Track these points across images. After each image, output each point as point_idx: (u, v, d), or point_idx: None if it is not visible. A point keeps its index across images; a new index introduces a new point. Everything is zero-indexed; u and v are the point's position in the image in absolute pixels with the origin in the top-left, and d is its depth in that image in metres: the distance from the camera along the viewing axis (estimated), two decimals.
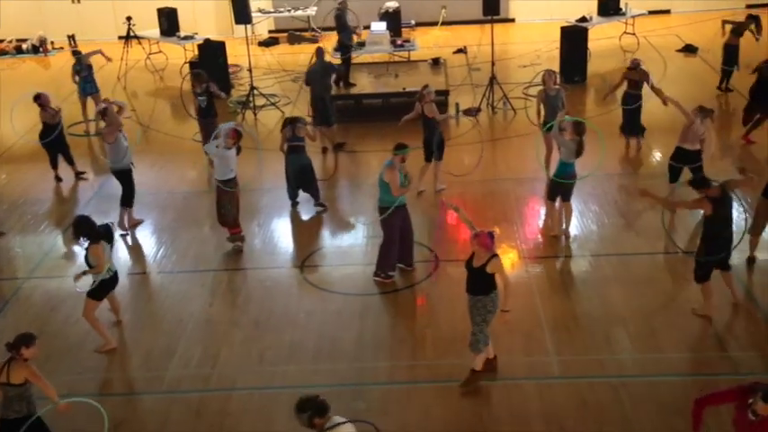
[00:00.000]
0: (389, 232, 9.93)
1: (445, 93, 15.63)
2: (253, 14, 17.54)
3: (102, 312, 9.26)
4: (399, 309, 9.69)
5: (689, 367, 8.43)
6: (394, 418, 7.78)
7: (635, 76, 13.18)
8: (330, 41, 17.77)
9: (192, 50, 19.17)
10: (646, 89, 13.17)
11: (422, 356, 8.72)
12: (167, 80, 19.29)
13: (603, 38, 19.49)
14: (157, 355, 8.98)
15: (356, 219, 11.81)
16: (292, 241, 11.58)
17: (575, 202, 11.08)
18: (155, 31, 20.02)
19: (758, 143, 13.43)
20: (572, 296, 9.67)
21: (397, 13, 19.96)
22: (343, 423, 5.98)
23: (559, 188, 10.63)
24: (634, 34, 19.61)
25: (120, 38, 20.88)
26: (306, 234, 11.66)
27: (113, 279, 9.00)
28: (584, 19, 18.80)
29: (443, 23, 22.04)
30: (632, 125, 13.48)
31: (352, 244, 11.20)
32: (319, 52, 14.31)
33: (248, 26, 16.97)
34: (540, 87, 12.65)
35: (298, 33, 22.04)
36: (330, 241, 11.42)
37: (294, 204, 12.23)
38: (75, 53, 15.88)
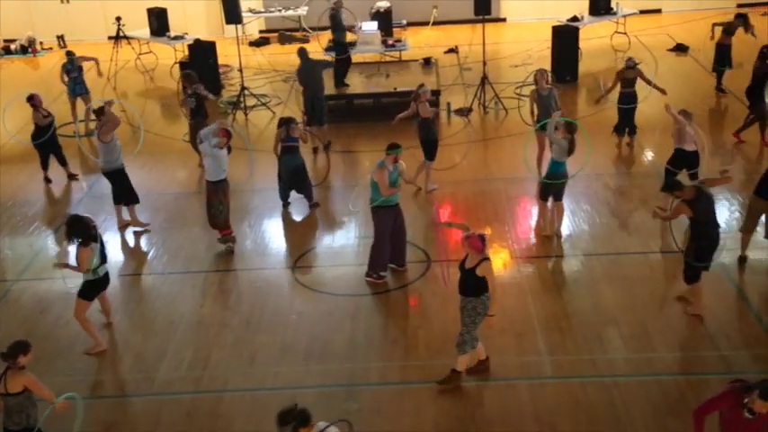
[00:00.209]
0: (380, 231, 9.90)
1: (437, 93, 15.60)
2: (243, 14, 17.48)
3: (93, 314, 9.21)
4: (391, 309, 9.66)
5: (681, 367, 8.42)
6: (386, 419, 7.76)
7: (630, 75, 13.18)
8: (321, 41, 17.70)
9: (182, 51, 19.10)
10: (639, 88, 13.19)
11: (414, 357, 8.69)
12: (157, 81, 19.22)
13: (595, 37, 19.51)
14: (148, 356, 8.93)
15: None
16: (284, 242, 11.54)
17: (566, 202, 11.08)
18: (144, 32, 19.93)
19: (747, 142, 13.44)
20: (564, 296, 9.66)
21: (388, 12, 19.93)
22: (328, 426, 5.93)
23: (551, 188, 10.63)
24: (625, 34, 19.62)
25: (109, 38, 20.79)
26: (297, 235, 11.62)
27: (104, 280, 8.95)
28: (575, 18, 18.81)
29: (435, 23, 22.02)
30: (627, 124, 13.46)
31: (343, 244, 11.17)
32: (302, 52, 14.25)
33: (239, 26, 16.90)
34: (533, 87, 12.64)
35: (288, 33, 21.98)
36: (322, 242, 11.38)
37: (285, 205, 12.18)
38: (69, 53, 15.80)
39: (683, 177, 10.53)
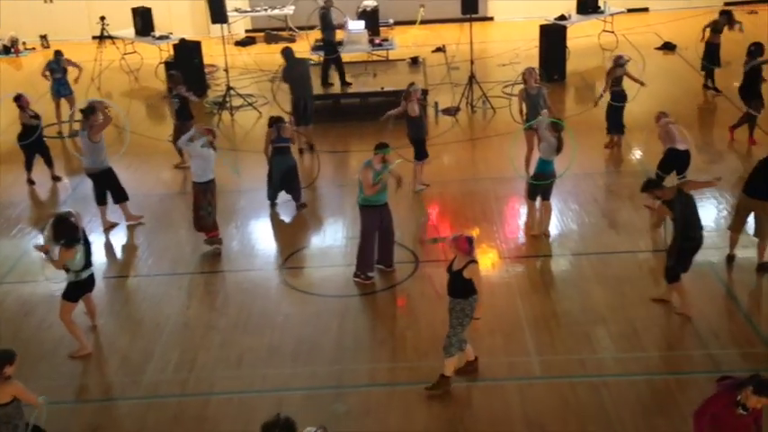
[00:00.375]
0: (366, 230, 9.83)
1: (424, 92, 15.54)
2: (229, 14, 17.39)
3: (79, 316, 9.10)
4: (379, 310, 9.61)
5: (670, 366, 8.39)
6: (374, 421, 7.71)
7: (620, 72, 13.16)
8: (308, 41, 17.62)
9: (167, 50, 18.93)
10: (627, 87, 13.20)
11: (402, 358, 8.64)
12: (142, 81, 19.07)
13: (582, 36, 19.52)
14: (134, 359, 8.84)
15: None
16: (271, 243, 11.46)
17: (555, 201, 11.06)
18: (129, 31, 19.76)
19: (737, 140, 13.45)
20: (553, 296, 9.63)
21: (375, 11, 19.82)
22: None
23: (539, 187, 10.59)
24: (613, 32, 19.63)
25: (93, 38, 20.63)
26: (285, 235, 11.54)
27: (88, 282, 8.84)
28: (563, 17, 18.78)
29: (422, 22, 21.96)
30: (617, 122, 13.44)
31: (331, 245, 11.10)
32: (287, 52, 14.15)
33: (224, 26, 16.78)
34: (522, 86, 12.60)
35: (275, 33, 21.87)
36: (309, 242, 11.30)
37: (273, 205, 12.10)
38: (58, 53, 15.65)
39: (671, 179, 10.52)
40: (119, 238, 11.56)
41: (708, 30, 15.88)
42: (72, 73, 15.91)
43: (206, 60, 18.01)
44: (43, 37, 21.86)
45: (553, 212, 11.05)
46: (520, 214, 11.60)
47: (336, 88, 16.26)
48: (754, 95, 13.34)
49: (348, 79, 16.25)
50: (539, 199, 10.76)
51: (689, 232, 8.70)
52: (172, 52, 18.07)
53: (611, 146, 13.52)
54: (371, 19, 19.21)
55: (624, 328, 8.84)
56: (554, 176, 10.53)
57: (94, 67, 18.86)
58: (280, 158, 11.72)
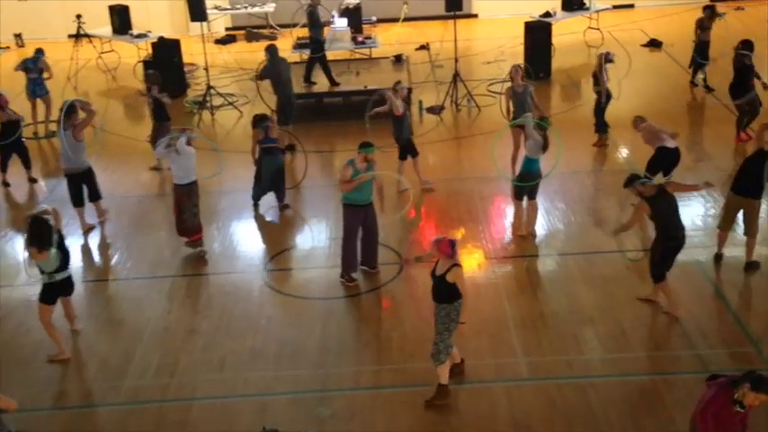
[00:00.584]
0: (347, 229, 9.70)
1: (408, 90, 15.41)
2: (209, 11, 17.16)
3: (59, 321, 8.91)
4: (363, 312, 9.47)
5: (658, 366, 8.31)
6: (360, 424, 7.59)
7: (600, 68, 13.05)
8: (290, 39, 17.44)
9: (145, 49, 18.69)
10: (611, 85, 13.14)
11: (387, 360, 8.51)
12: (120, 80, 18.83)
13: (567, 33, 19.45)
14: (114, 364, 8.66)
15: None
16: (253, 245, 11.29)
17: (541, 201, 10.97)
18: (106, 30, 19.49)
19: (749, 136, 13.30)
20: (539, 296, 9.53)
21: (357, 9, 19.67)
22: None
23: (525, 186, 10.48)
24: (598, 29, 19.59)
25: (69, 36, 20.35)
26: (267, 237, 11.39)
27: (64, 284, 8.64)
28: (548, 14, 18.71)
29: (405, 19, 21.83)
30: (602, 120, 13.36)
31: (314, 246, 10.95)
32: (272, 50, 13.97)
33: (204, 23, 16.58)
34: (508, 84, 12.49)
35: (256, 31, 21.67)
36: (292, 244, 11.14)
37: (256, 205, 11.93)
38: (39, 51, 15.40)
39: (658, 179, 10.43)
40: (97, 241, 11.36)
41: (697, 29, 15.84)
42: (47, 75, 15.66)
43: (186, 59, 17.81)
44: (18, 35, 21.53)
45: (540, 212, 10.96)
46: (506, 214, 11.48)
47: (319, 87, 16.09)
48: (744, 93, 13.28)
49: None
50: (525, 198, 10.65)
51: (670, 232, 8.64)
52: (150, 51, 17.83)
53: (599, 144, 13.45)
54: (354, 16, 19.07)
55: (611, 329, 8.76)
56: (540, 176, 10.41)
57: (71, 66, 18.59)
58: (269, 159, 11.54)
